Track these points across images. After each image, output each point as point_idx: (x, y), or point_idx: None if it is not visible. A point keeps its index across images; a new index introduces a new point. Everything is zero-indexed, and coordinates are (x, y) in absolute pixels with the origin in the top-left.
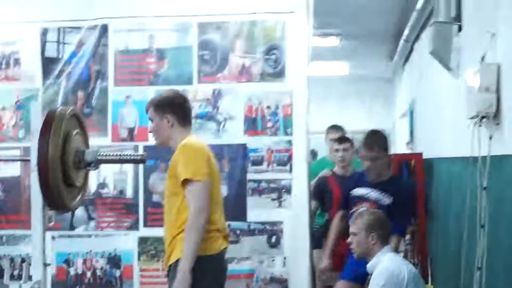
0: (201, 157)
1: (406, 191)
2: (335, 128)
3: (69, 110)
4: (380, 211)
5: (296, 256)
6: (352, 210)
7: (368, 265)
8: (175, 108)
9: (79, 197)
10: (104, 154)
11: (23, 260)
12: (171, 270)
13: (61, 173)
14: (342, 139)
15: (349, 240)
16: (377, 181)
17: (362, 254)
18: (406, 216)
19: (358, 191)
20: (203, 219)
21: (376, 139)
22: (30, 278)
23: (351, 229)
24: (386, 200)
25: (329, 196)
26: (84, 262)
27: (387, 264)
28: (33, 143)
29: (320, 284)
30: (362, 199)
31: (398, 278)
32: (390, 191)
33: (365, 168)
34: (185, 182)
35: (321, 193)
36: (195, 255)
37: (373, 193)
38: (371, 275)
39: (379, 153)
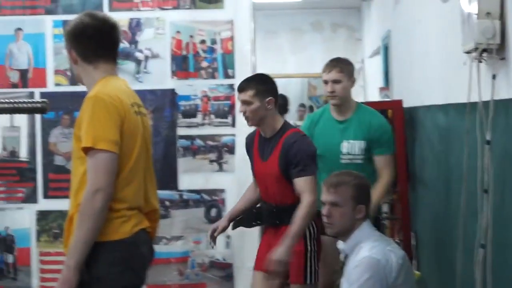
0: (109, 117)
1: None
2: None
3: None
4: (363, 175)
5: (242, 234)
6: None
7: (345, 246)
8: (79, 39)
9: None
10: None
11: None
12: None
13: None
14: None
15: (325, 211)
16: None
17: (343, 230)
18: None
19: None
20: (99, 201)
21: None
22: None
23: (330, 198)
24: None
25: None
26: None
27: (372, 251)
28: None
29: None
30: None
31: (385, 270)
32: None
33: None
34: (85, 150)
35: None
36: (86, 247)
37: None
38: (345, 256)
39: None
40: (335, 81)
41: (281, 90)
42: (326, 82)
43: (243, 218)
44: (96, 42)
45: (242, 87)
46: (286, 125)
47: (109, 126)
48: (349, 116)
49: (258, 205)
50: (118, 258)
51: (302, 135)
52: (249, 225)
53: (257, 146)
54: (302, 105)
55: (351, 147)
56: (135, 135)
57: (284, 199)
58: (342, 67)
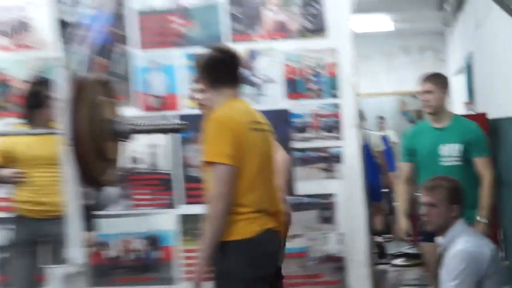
0: (224, 135)
1: None
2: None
3: (98, 77)
4: (456, 179)
5: (353, 232)
6: None
7: (443, 240)
8: (207, 70)
9: (113, 172)
10: (139, 123)
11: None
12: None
13: (94, 145)
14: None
15: (424, 211)
16: None
17: (440, 227)
18: None
19: None
20: (220, 207)
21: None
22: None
23: (427, 199)
24: None
25: None
26: (121, 243)
27: (467, 245)
28: (63, 115)
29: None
30: None
31: (478, 261)
32: None
33: None
34: (207, 164)
35: None
36: (212, 244)
37: None
38: (443, 249)
39: None
40: (428, 92)
41: (376, 107)
42: (421, 93)
43: None
44: (221, 71)
45: None
46: None
47: (224, 143)
48: (446, 124)
49: None
50: (245, 255)
51: None
52: None
53: None
54: (381, 117)
55: (449, 150)
56: (253, 149)
57: None
58: (434, 80)
